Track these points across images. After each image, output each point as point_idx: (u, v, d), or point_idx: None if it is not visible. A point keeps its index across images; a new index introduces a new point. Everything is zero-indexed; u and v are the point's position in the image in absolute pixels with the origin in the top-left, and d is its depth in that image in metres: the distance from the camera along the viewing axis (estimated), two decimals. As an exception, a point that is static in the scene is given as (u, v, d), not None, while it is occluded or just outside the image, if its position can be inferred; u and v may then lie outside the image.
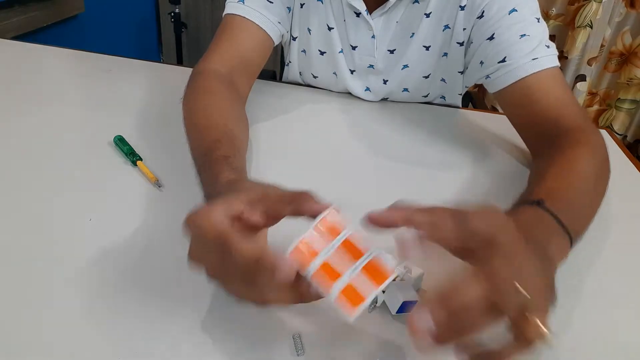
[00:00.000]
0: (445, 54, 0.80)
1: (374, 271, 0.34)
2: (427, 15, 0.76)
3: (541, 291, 0.37)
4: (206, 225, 0.37)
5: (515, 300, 0.34)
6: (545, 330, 0.34)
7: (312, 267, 0.34)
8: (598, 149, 0.61)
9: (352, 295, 0.34)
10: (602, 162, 0.60)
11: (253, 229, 0.40)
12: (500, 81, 0.70)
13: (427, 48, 0.80)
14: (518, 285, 0.34)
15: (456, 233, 0.36)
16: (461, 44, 0.77)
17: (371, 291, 0.34)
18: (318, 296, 0.36)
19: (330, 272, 0.34)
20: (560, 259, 0.43)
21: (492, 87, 0.73)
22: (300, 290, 0.36)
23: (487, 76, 0.72)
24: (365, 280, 0.34)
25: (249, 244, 0.36)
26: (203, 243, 0.39)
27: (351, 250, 0.35)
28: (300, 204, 0.38)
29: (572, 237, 0.44)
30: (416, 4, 0.76)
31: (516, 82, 0.68)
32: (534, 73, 0.66)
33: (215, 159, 0.53)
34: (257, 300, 0.39)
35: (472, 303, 0.33)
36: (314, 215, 0.37)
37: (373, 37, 0.80)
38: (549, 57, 0.67)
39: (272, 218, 0.39)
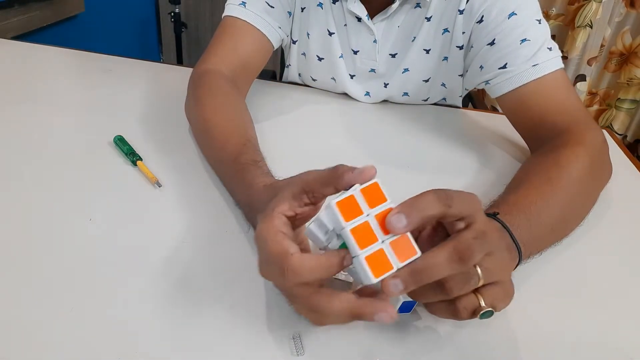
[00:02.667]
0: (446, 58, 0.80)
1: (401, 247, 0.36)
2: (428, 19, 0.76)
3: (504, 271, 0.41)
4: (270, 243, 0.37)
5: (471, 274, 0.38)
6: (483, 307, 0.38)
7: (356, 222, 0.35)
8: (592, 148, 0.60)
9: (380, 260, 0.35)
10: (597, 161, 0.60)
11: (300, 220, 0.41)
12: (500, 87, 0.70)
13: (427, 52, 0.80)
14: (478, 269, 0.38)
15: (440, 210, 0.36)
16: (460, 48, 0.77)
17: (396, 264, 0.35)
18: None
19: (368, 233, 0.35)
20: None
21: (491, 92, 0.72)
22: (359, 310, 0.36)
23: (487, 82, 0.72)
24: (391, 253, 0.35)
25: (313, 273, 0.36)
26: (267, 260, 0.38)
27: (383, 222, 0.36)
28: (339, 180, 0.38)
29: (520, 252, 0.45)
30: (417, 8, 0.76)
31: (515, 89, 0.68)
32: (534, 80, 0.66)
33: (245, 164, 0.54)
34: (314, 321, 0.40)
35: (437, 268, 0.35)
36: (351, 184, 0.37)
37: (375, 41, 0.80)
38: (551, 61, 0.67)
39: (317, 203, 0.40)
